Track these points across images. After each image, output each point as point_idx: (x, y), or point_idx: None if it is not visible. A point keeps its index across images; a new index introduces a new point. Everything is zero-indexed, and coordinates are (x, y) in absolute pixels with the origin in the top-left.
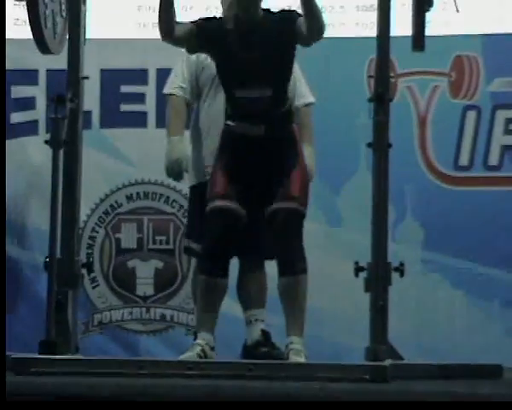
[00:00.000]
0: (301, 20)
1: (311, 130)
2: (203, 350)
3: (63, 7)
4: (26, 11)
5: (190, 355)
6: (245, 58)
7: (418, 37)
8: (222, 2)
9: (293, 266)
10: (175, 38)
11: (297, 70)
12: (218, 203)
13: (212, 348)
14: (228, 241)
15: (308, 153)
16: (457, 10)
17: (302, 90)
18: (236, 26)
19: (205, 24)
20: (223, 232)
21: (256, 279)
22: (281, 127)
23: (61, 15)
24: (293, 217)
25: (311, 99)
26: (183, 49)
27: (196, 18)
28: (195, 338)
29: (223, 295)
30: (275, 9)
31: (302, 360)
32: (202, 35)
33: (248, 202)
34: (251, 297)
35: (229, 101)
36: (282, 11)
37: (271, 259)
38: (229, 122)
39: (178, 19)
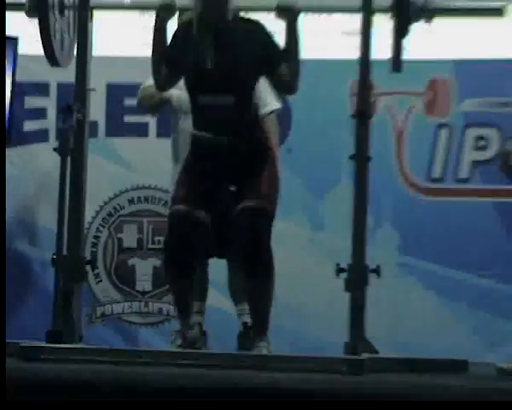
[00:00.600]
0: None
1: (277, 137)
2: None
3: (71, 24)
4: (37, 27)
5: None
6: (208, 62)
7: (396, 60)
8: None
9: (260, 266)
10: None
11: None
12: (178, 207)
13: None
14: (187, 244)
15: None
16: (430, 34)
17: (265, 98)
18: (201, 28)
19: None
20: (181, 236)
21: (240, 276)
22: (245, 138)
23: (69, 32)
24: (260, 216)
25: (275, 106)
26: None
27: None
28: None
29: (190, 290)
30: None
31: None
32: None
33: (215, 205)
34: (237, 293)
35: (194, 109)
36: (257, 24)
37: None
38: (195, 132)
39: None
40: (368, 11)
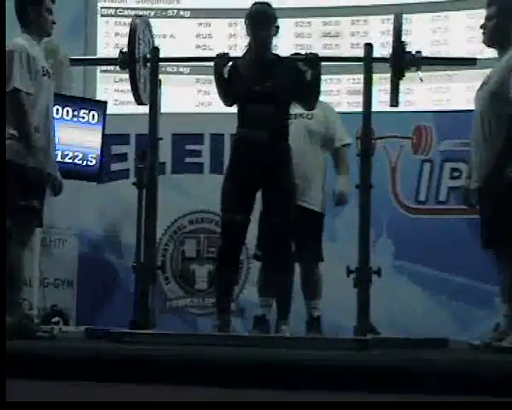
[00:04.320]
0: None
1: (348, 164)
2: (220, 330)
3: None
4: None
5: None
6: (257, 82)
7: (394, 97)
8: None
9: (286, 266)
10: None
11: (337, 118)
12: (228, 216)
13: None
14: (235, 245)
15: (345, 180)
16: (421, 80)
17: (341, 133)
18: (252, 60)
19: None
20: (232, 240)
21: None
22: (279, 137)
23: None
24: (286, 231)
25: (347, 141)
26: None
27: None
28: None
29: (233, 285)
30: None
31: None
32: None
33: (251, 208)
34: (264, 288)
35: (241, 113)
36: (293, 60)
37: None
38: (239, 130)
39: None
40: (368, 64)
